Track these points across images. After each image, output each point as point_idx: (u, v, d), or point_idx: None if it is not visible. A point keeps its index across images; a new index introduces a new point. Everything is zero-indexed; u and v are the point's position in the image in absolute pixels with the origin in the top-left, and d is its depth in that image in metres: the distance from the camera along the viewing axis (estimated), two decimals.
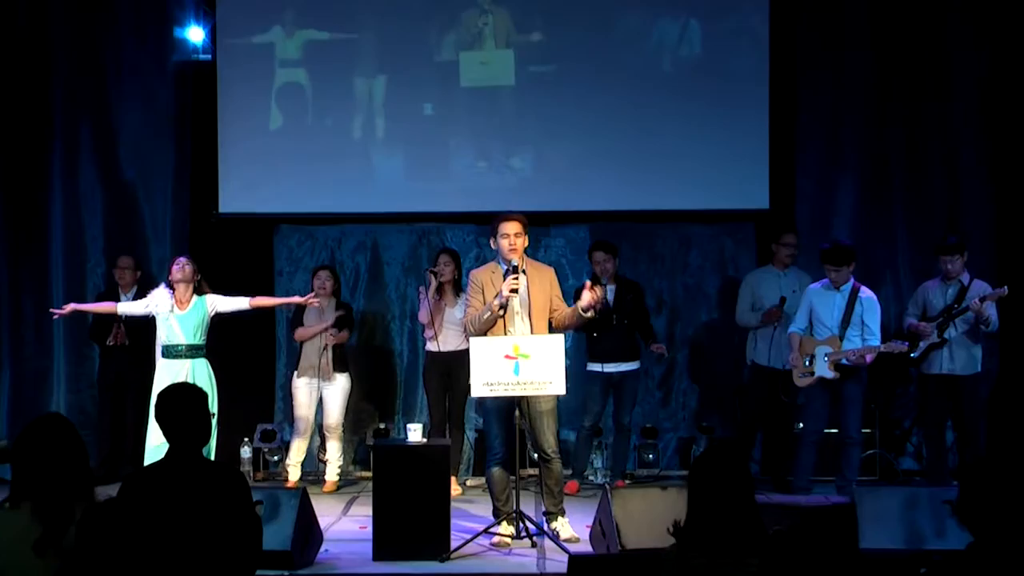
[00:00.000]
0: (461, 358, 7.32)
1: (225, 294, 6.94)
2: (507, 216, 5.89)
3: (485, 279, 5.93)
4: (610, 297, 7.35)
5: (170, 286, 6.83)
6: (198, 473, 3.62)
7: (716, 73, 8.04)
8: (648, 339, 7.49)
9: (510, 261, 5.82)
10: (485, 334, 5.81)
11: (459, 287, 7.41)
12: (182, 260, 6.89)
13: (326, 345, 7.39)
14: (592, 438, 7.61)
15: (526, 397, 5.77)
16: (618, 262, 7.47)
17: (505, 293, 5.73)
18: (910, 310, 7.17)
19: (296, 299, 7.15)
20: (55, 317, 6.94)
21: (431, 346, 7.39)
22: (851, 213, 8.07)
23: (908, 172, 8.05)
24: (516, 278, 5.72)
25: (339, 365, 7.47)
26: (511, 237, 5.80)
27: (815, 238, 7.68)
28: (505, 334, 5.81)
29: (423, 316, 7.41)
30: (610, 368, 7.30)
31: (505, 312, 5.77)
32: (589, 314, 5.83)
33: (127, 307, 6.98)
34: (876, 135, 8.05)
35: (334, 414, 7.49)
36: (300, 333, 7.53)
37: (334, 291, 7.58)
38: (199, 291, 6.85)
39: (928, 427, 7.27)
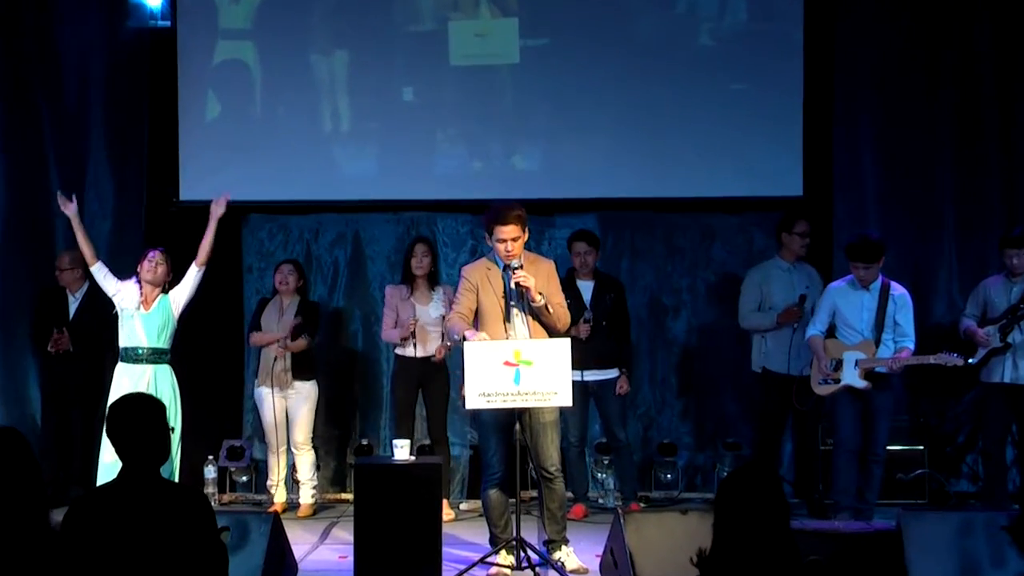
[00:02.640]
0: (434, 363, 7.32)
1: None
2: (503, 217, 5.80)
3: (480, 277, 5.90)
4: (587, 296, 7.34)
5: (140, 281, 6.79)
6: (155, 495, 3.60)
7: (743, 46, 8.03)
8: (622, 352, 7.45)
9: (509, 264, 5.82)
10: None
11: (434, 280, 7.40)
12: (155, 257, 6.77)
13: (276, 356, 7.35)
14: (583, 455, 7.61)
15: (527, 409, 5.75)
16: (600, 256, 7.48)
17: (468, 338, 5.70)
18: (968, 310, 7.14)
19: (218, 211, 6.86)
20: (59, 198, 6.79)
21: (401, 350, 7.37)
22: (895, 201, 8.05)
23: (961, 154, 8.03)
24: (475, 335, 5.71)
25: (301, 372, 7.44)
26: (508, 242, 5.79)
27: (855, 228, 7.65)
28: (506, 335, 5.78)
29: (391, 335, 7.38)
30: (589, 376, 7.28)
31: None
32: (540, 300, 5.77)
33: (102, 272, 6.78)
34: (924, 113, 8.02)
35: (299, 428, 7.47)
36: (254, 339, 7.52)
37: (298, 288, 7.55)
38: (166, 289, 6.83)
39: (986, 443, 7.25)
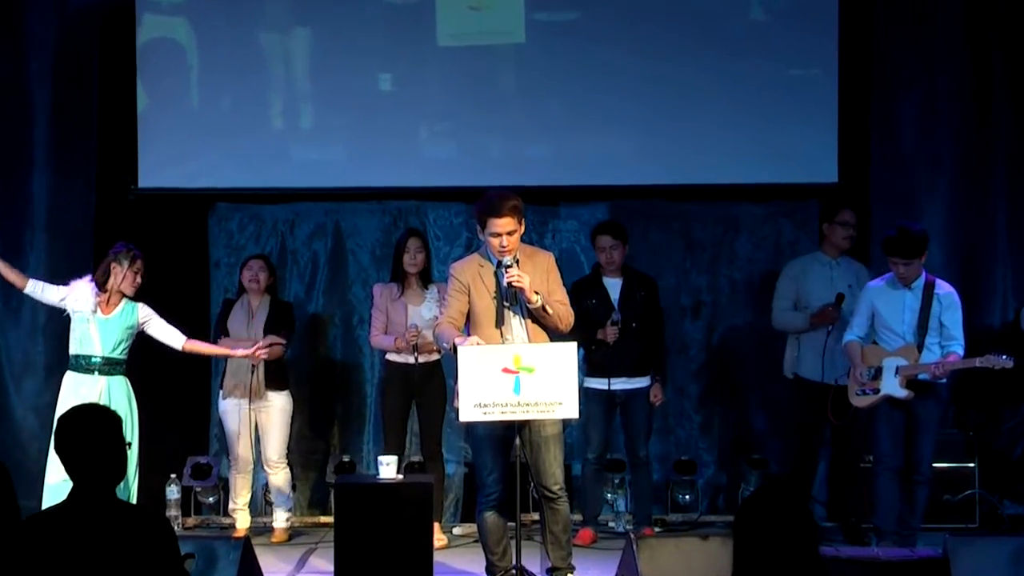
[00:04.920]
0: (430, 370, 7.32)
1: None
2: (497, 207, 5.77)
3: (471, 276, 5.87)
4: (615, 295, 7.35)
5: (101, 284, 6.77)
6: (110, 518, 3.59)
7: (770, 15, 8.03)
8: (655, 357, 7.46)
9: (501, 261, 5.82)
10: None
11: (427, 277, 7.40)
12: (140, 268, 6.76)
13: (253, 364, 7.30)
14: (601, 473, 7.61)
15: (528, 422, 5.74)
16: (628, 250, 7.46)
17: (460, 345, 5.68)
18: None
19: (239, 352, 7.06)
20: None
21: (393, 355, 7.39)
22: (943, 188, 8.04)
23: (1015, 136, 8.02)
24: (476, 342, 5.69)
25: (274, 381, 7.42)
26: (502, 236, 5.77)
27: (896, 219, 7.64)
28: (502, 340, 5.77)
29: (382, 341, 7.38)
30: (616, 385, 7.29)
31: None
32: (536, 301, 5.78)
33: (39, 288, 6.77)
34: (974, 91, 8.01)
35: (273, 444, 7.45)
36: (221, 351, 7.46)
37: (268, 287, 7.55)
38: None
39: None
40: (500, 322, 5.81)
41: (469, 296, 5.87)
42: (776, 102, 7.99)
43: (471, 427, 5.94)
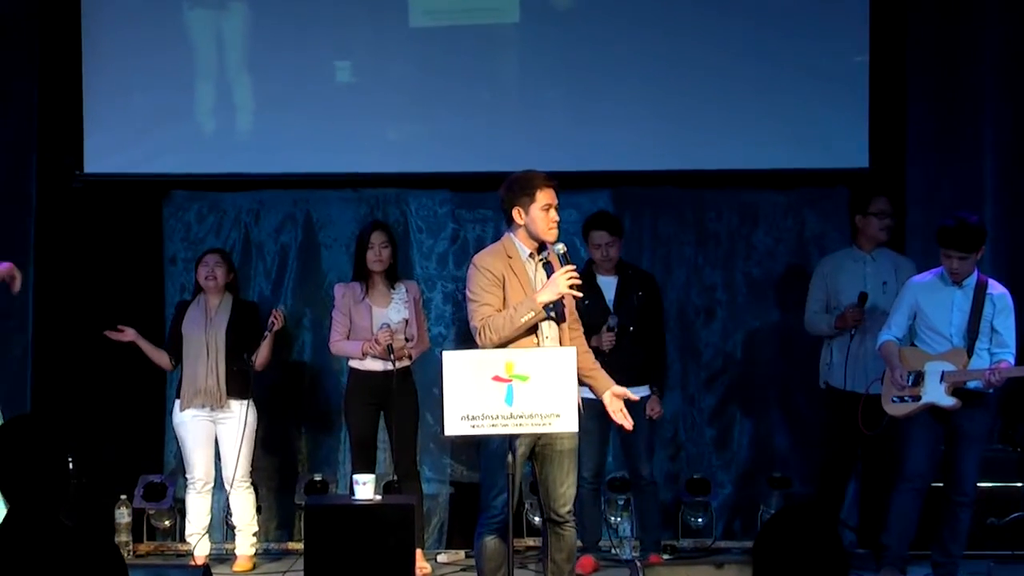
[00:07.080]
0: (400, 378, 7.27)
1: None
2: (542, 178, 5.75)
3: (503, 269, 5.77)
4: (610, 295, 7.34)
5: None
6: (52, 545, 3.58)
7: None
8: (654, 364, 7.45)
9: (546, 244, 5.75)
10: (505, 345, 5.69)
11: (393, 276, 7.39)
12: None
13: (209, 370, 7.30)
14: (599, 495, 7.60)
15: (539, 433, 5.69)
16: (622, 245, 7.45)
17: (562, 289, 5.63)
18: None
19: None
20: None
21: (358, 363, 7.37)
22: (986, 179, 8.05)
23: None
24: (573, 272, 5.63)
25: (236, 389, 7.41)
26: (553, 210, 5.74)
27: (932, 211, 7.66)
28: (539, 344, 5.72)
29: (345, 347, 7.37)
30: None
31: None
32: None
33: None
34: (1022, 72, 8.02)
35: (234, 460, 7.43)
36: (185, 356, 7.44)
37: (228, 284, 7.53)
38: None
39: None
40: (550, 320, 5.75)
41: (504, 289, 5.76)
42: (799, 79, 8.01)
43: (485, 442, 5.87)
